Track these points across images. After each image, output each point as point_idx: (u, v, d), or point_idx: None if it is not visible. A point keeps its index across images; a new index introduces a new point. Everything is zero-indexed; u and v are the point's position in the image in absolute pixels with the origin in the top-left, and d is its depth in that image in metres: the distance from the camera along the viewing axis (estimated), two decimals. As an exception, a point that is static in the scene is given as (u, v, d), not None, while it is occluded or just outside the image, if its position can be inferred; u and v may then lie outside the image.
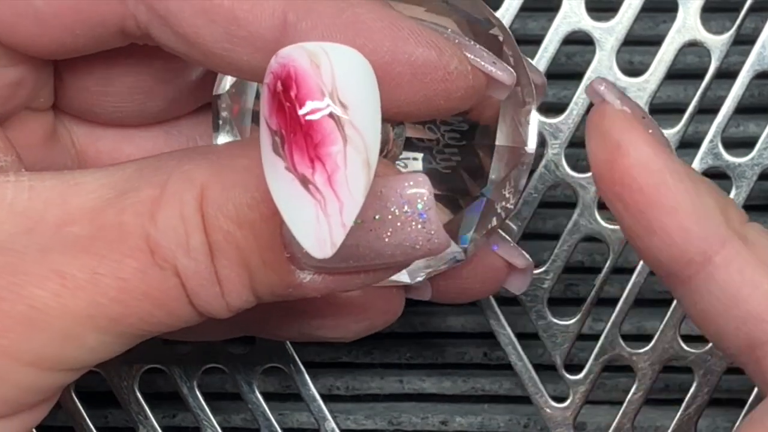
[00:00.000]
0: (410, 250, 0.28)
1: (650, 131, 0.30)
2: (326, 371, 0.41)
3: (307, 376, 0.39)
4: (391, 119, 0.28)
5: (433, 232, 0.28)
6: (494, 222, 0.32)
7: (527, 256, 0.34)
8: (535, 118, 0.32)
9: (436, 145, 0.32)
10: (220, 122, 0.32)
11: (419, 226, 0.27)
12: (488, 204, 0.32)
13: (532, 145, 0.32)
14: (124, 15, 0.29)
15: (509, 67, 0.30)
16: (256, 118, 0.32)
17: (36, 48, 0.29)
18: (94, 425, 0.40)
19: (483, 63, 0.29)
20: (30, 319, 0.27)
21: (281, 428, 0.40)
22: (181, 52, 0.29)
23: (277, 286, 0.28)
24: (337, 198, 0.25)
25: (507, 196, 0.32)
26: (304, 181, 0.25)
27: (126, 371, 0.39)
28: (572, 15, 0.38)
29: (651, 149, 0.30)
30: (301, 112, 0.25)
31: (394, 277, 0.31)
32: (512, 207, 0.32)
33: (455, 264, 0.32)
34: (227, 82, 0.32)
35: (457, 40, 0.29)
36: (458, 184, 0.32)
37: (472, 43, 0.30)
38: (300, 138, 0.25)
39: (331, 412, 0.39)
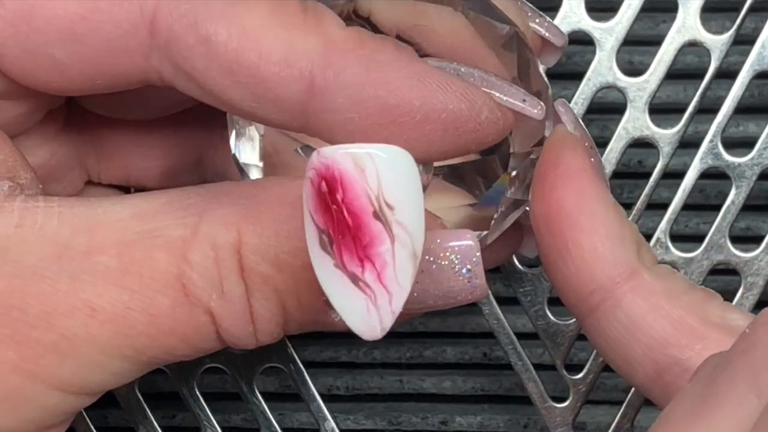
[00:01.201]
0: (451, 300, 0.29)
1: (592, 159, 0.31)
2: (326, 371, 0.41)
3: (306, 376, 0.39)
4: (421, 162, 0.29)
5: (476, 286, 0.29)
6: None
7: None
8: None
9: None
10: (237, 126, 0.32)
11: (465, 281, 0.29)
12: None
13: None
14: (147, 69, 0.29)
15: (539, 101, 0.30)
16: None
17: (54, 89, 0.29)
18: (93, 425, 0.40)
19: (513, 101, 0.30)
20: (60, 348, 0.28)
21: (281, 428, 0.40)
22: (206, 101, 0.29)
23: (309, 323, 0.30)
24: (386, 291, 0.26)
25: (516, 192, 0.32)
26: (354, 278, 0.26)
27: (126, 371, 0.39)
28: (572, 15, 0.38)
29: (587, 173, 0.31)
30: (349, 219, 0.26)
31: None
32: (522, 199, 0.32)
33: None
34: None
35: (484, 83, 0.30)
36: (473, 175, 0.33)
37: (500, 82, 0.30)
38: (349, 240, 0.26)
39: (330, 411, 0.39)
